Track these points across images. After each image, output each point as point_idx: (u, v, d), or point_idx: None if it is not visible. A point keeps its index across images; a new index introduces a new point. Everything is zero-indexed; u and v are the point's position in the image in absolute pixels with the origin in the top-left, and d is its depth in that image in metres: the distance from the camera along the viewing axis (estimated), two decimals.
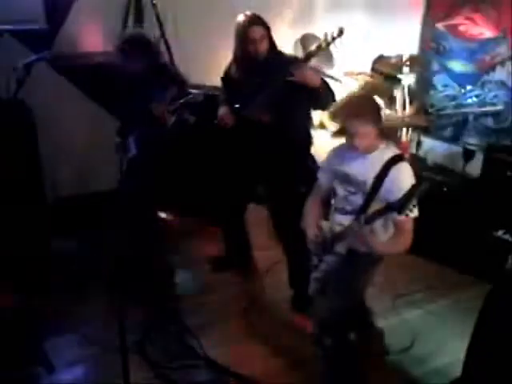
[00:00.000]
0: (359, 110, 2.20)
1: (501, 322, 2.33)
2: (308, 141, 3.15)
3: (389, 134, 2.36)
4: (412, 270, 3.67)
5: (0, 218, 3.11)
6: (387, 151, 2.27)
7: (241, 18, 2.93)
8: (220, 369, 2.70)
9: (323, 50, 2.80)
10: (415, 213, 2.17)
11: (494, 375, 2.36)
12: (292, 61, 2.91)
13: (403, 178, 2.21)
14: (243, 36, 2.89)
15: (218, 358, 2.77)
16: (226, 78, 3.19)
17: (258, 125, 2.97)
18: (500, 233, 3.43)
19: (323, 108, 3.02)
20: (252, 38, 2.86)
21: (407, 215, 2.07)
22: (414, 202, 2.02)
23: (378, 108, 2.28)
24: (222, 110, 3.14)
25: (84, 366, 2.72)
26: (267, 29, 2.92)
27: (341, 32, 2.71)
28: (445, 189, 3.79)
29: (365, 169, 2.27)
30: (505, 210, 3.41)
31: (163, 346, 2.84)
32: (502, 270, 2.46)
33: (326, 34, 2.73)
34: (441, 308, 3.28)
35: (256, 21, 2.89)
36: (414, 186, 2.04)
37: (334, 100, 2.82)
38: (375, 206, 2.21)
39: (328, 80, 3.48)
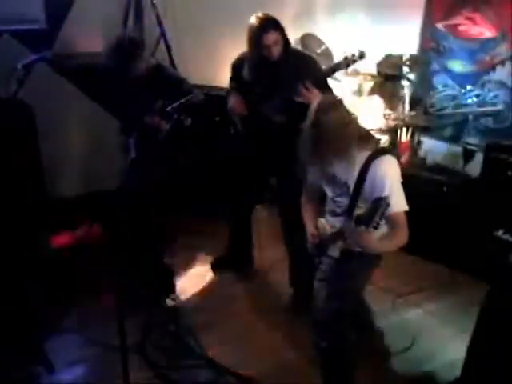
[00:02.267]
0: (320, 125, 2.09)
1: (501, 322, 2.33)
2: None
3: (366, 138, 2.24)
4: (412, 269, 3.68)
5: (0, 218, 3.11)
6: (368, 148, 2.18)
7: (253, 20, 2.83)
8: (220, 369, 2.71)
9: (341, 70, 2.82)
10: (405, 207, 2.14)
11: (493, 375, 2.36)
12: (307, 61, 2.92)
13: (385, 171, 2.11)
14: (256, 41, 2.81)
15: (217, 358, 2.77)
16: (236, 70, 3.11)
17: (269, 123, 2.96)
18: (500, 233, 3.42)
19: None
20: (266, 44, 2.80)
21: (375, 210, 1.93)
22: (382, 214, 1.91)
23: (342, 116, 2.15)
24: (234, 99, 3.08)
25: (84, 365, 2.72)
26: (281, 31, 2.84)
27: (361, 56, 2.70)
28: (445, 189, 3.79)
29: (346, 168, 2.20)
30: (505, 210, 3.40)
31: (163, 346, 2.84)
32: (502, 269, 2.46)
33: (346, 57, 2.74)
34: (441, 308, 3.28)
35: (269, 25, 2.80)
36: (378, 200, 1.93)
37: None
38: (363, 206, 2.13)
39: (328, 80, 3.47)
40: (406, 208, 2.15)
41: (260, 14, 2.85)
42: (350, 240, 2.16)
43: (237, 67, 3.11)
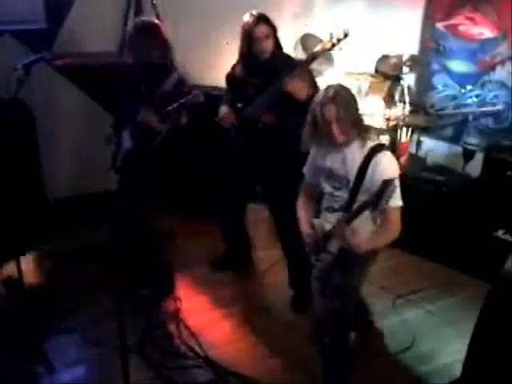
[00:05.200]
0: (335, 96, 2.15)
1: (501, 322, 2.33)
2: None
3: (366, 128, 2.29)
4: (412, 270, 3.68)
5: (0, 219, 3.11)
6: (367, 143, 2.22)
7: (247, 16, 2.94)
8: (220, 369, 2.71)
9: (327, 51, 2.82)
10: (399, 202, 2.17)
11: (494, 375, 2.36)
12: (294, 64, 2.94)
13: (385, 166, 2.17)
14: (249, 35, 2.91)
15: (218, 358, 2.77)
16: (230, 77, 3.20)
17: (259, 125, 2.98)
18: (500, 233, 3.42)
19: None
20: (257, 36, 2.88)
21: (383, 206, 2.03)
22: (389, 196, 1.99)
23: (351, 95, 2.24)
24: (223, 109, 3.15)
25: (84, 365, 2.73)
26: (273, 28, 2.94)
27: (346, 34, 2.72)
28: (445, 189, 3.79)
29: (345, 163, 2.24)
30: (505, 210, 3.40)
31: (163, 346, 2.84)
32: (502, 269, 2.46)
33: (331, 35, 2.74)
34: (441, 308, 3.28)
35: (262, 20, 2.91)
36: (385, 182, 2.00)
37: None
38: (361, 200, 2.17)
39: (328, 80, 3.48)
40: (401, 204, 2.19)
41: (253, 12, 2.96)
42: (339, 239, 2.20)
43: (230, 74, 3.18)
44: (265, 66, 2.94)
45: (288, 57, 3.10)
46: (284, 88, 2.81)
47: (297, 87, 2.80)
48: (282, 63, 2.93)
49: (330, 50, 2.81)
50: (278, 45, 2.98)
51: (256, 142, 3.05)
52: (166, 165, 3.29)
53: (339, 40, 2.73)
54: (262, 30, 2.89)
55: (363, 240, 2.19)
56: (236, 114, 3.09)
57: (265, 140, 3.01)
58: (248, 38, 2.92)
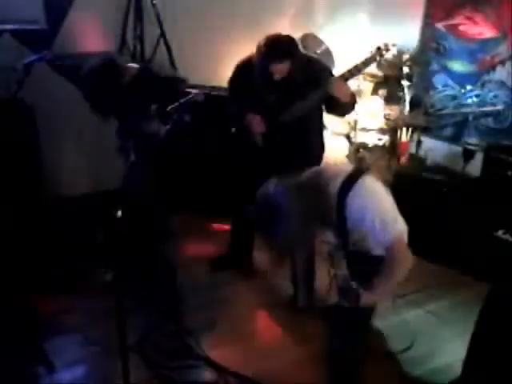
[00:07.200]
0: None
1: (501, 322, 2.33)
2: (321, 146, 3.14)
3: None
4: (412, 269, 3.66)
5: (0, 218, 3.11)
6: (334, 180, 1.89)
7: (263, 43, 2.71)
8: (220, 369, 2.70)
9: (370, 64, 2.86)
10: (402, 228, 1.90)
11: (494, 375, 2.36)
12: (322, 74, 2.87)
13: (362, 203, 1.84)
14: (263, 67, 2.73)
15: (218, 358, 2.77)
16: (243, 73, 3.03)
17: (276, 130, 2.96)
18: (500, 233, 3.42)
19: (342, 116, 3.22)
20: (273, 71, 2.72)
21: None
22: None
23: None
24: (250, 116, 3.00)
25: (84, 366, 2.73)
26: (291, 56, 2.72)
27: (381, 54, 2.74)
28: (445, 189, 3.79)
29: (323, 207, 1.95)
30: (505, 210, 3.40)
31: (163, 345, 2.84)
32: (502, 269, 2.46)
33: (377, 50, 2.76)
34: (441, 308, 3.28)
35: (279, 52, 2.69)
36: None
37: (354, 109, 2.98)
38: (354, 239, 1.95)
39: None
40: (404, 229, 1.92)
41: (272, 37, 2.72)
42: (347, 301, 2.02)
43: (244, 71, 3.03)
44: (285, 81, 2.80)
45: (311, 64, 2.94)
46: (329, 91, 2.72)
47: (342, 89, 2.75)
48: (304, 74, 2.81)
49: (370, 64, 2.86)
50: (298, 60, 2.77)
51: (283, 147, 2.98)
52: (172, 165, 3.29)
53: (382, 55, 2.76)
54: (279, 67, 2.70)
55: (373, 296, 2.04)
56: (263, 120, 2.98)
57: (292, 145, 2.96)
58: (262, 70, 2.74)
